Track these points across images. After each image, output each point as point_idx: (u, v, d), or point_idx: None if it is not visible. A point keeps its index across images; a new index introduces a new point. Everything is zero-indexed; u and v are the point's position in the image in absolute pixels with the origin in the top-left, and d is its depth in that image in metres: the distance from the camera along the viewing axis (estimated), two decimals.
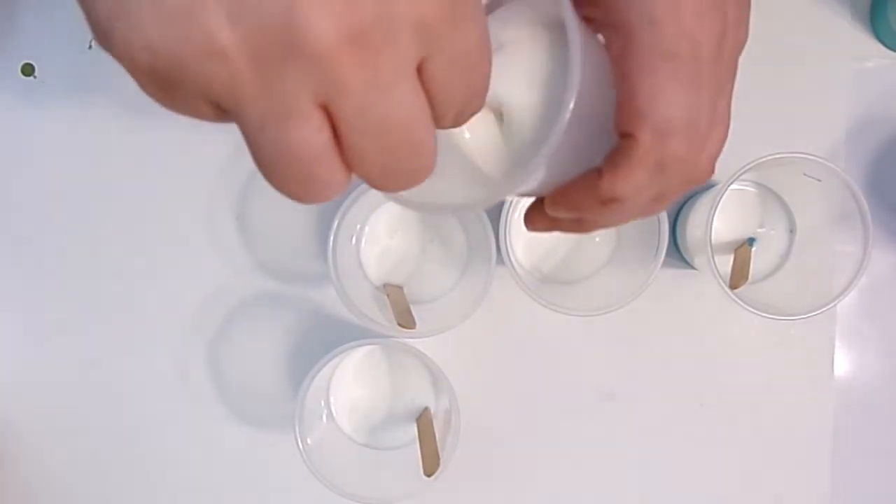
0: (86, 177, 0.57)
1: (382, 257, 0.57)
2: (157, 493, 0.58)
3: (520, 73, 0.28)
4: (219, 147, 0.57)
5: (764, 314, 0.49)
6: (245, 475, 0.58)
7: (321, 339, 0.57)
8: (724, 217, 0.55)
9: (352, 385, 0.57)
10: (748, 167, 0.48)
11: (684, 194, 0.32)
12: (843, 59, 0.56)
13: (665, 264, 0.50)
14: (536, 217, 0.33)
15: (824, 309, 0.49)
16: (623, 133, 0.28)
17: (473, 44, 0.22)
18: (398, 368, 0.57)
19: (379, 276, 0.57)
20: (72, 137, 0.57)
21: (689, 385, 0.57)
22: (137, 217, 0.57)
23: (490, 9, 0.30)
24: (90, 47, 0.56)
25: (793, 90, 0.56)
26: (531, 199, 0.34)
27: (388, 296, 0.54)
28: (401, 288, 0.56)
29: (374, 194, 0.34)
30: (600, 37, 0.29)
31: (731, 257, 0.54)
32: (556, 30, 0.28)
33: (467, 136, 0.29)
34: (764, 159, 0.47)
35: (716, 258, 0.49)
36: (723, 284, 0.49)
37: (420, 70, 0.21)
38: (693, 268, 0.57)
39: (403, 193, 0.25)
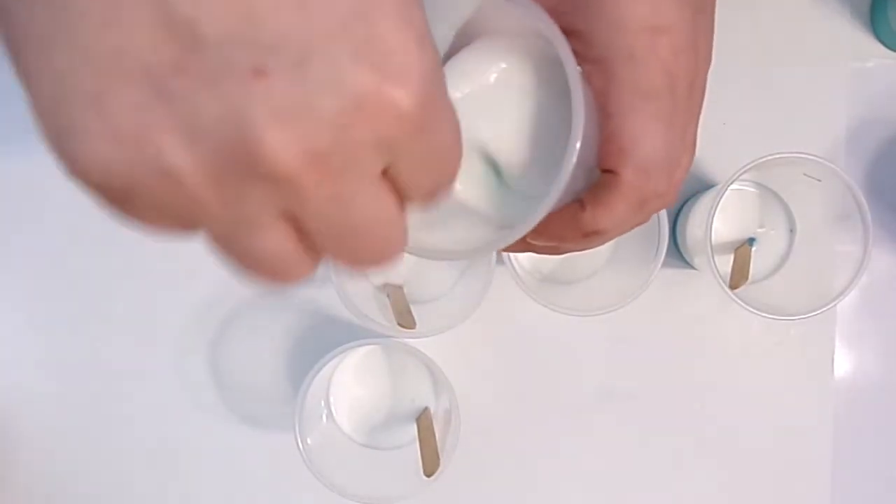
0: None
1: None
2: (157, 492, 0.58)
3: (505, 112, 0.28)
4: None
5: (764, 314, 0.49)
6: (245, 475, 0.58)
7: (321, 339, 0.57)
8: (724, 217, 0.55)
9: (352, 385, 0.57)
10: (748, 167, 0.48)
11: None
12: (843, 59, 0.56)
13: (665, 264, 0.50)
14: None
15: (824, 309, 0.49)
16: (606, 169, 0.28)
17: (441, 143, 0.21)
18: (398, 368, 0.57)
19: (379, 276, 0.57)
20: None
21: (689, 385, 0.57)
22: None
23: (464, 41, 0.29)
24: None
25: (793, 90, 0.56)
26: None
27: (388, 296, 0.54)
28: (401, 288, 0.56)
29: None
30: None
31: (731, 257, 0.54)
32: (541, 62, 0.28)
33: (458, 187, 0.28)
34: (764, 159, 0.47)
35: (716, 258, 0.49)
36: (723, 284, 0.49)
37: (385, 169, 0.21)
38: (693, 268, 0.57)
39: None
